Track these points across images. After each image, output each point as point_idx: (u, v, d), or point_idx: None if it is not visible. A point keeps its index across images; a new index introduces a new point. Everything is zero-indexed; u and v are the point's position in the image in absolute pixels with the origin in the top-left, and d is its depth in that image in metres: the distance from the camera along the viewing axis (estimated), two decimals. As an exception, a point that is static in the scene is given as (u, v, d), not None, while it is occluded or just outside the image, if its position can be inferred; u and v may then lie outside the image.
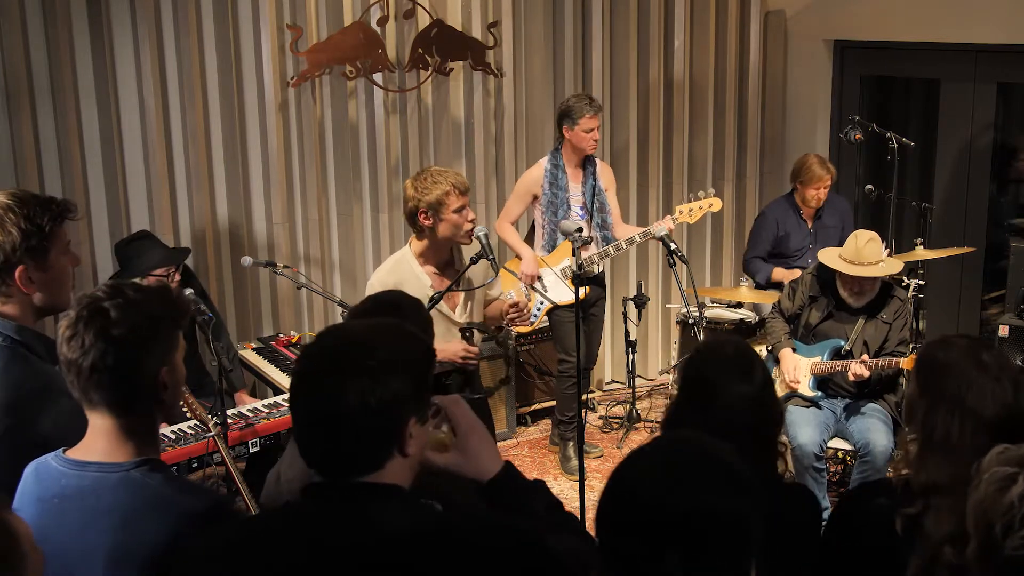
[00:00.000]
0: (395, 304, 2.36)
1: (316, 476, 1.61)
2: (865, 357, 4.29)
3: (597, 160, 5.22)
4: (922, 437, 2.05)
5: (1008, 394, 2.00)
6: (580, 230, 3.89)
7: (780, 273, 5.45)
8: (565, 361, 5.16)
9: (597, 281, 5.30)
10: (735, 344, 2.29)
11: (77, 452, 1.86)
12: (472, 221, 3.70)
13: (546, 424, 5.87)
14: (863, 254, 4.28)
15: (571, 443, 5.27)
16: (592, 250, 5.02)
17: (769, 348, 4.69)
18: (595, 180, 5.11)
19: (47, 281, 2.19)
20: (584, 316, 5.04)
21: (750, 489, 1.46)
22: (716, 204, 4.98)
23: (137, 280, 4.09)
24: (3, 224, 2.11)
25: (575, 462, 5.09)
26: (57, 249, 2.20)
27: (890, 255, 4.88)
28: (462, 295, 3.78)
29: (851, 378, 4.31)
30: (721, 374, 2.17)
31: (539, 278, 5.08)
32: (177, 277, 4.19)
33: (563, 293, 5.03)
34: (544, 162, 5.13)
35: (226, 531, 1.74)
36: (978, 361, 2.03)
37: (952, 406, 2.00)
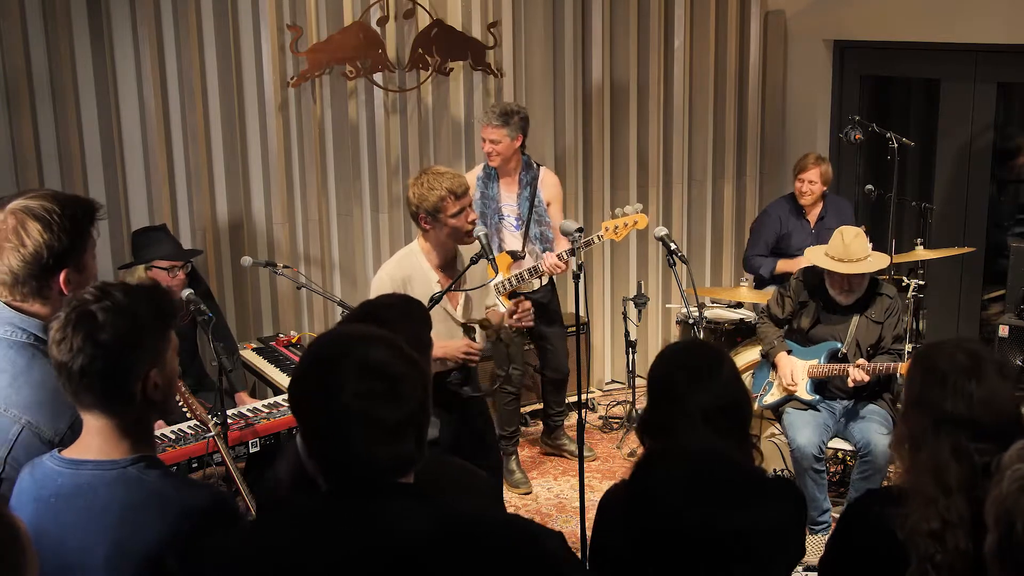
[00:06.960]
0: (376, 317, 2.27)
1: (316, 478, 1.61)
2: (862, 361, 4.27)
3: (542, 169, 4.97)
4: (904, 441, 2.10)
5: (971, 387, 2.01)
6: (580, 230, 3.88)
7: (785, 264, 5.39)
8: (499, 376, 4.94)
9: (538, 296, 4.89)
10: (697, 344, 2.30)
11: (73, 451, 1.86)
12: (472, 222, 3.67)
13: (546, 424, 5.86)
14: (851, 251, 4.26)
15: (513, 458, 5.14)
16: (526, 265, 4.80)
17: (763, 353, 4.66)
18: (534, 191, 4.85)
19: (81, 283, 2.12)
20: (531, 332, 4.86)
21: (791, 497, 1.49)
22: (642, 221, 4.59)
23: (141, 268, 4.10)
24: (50, 227, 2.05)
25: (519, 475, 5.09)
26: (90, 250, 2.17)
27: (889, 255, 4.87)
28: (462, 295, 3.78)
29: (850, 384, 4.30)
30: (686, 372, 2.17)
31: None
32: (181, 275, 4.17)
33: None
34: (478, 169, 4.93)
35: (250, 533, 1.75)
36: (945, 359, 2.07)
37: (919, 405, 2.06)
